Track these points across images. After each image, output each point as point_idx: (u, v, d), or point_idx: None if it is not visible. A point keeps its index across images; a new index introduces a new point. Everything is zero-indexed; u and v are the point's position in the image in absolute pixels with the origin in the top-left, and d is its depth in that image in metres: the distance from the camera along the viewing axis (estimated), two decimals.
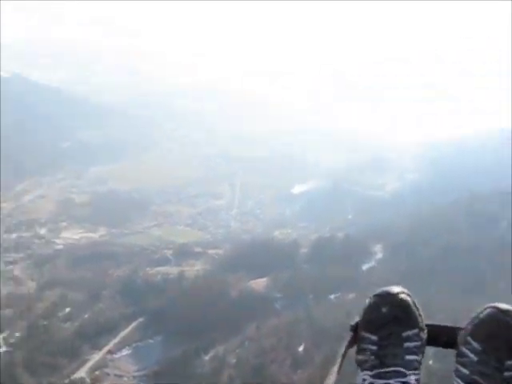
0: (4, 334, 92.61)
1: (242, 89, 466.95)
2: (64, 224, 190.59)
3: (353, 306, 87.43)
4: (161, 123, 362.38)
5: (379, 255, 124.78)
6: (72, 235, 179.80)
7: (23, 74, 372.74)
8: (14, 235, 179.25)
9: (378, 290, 3.55)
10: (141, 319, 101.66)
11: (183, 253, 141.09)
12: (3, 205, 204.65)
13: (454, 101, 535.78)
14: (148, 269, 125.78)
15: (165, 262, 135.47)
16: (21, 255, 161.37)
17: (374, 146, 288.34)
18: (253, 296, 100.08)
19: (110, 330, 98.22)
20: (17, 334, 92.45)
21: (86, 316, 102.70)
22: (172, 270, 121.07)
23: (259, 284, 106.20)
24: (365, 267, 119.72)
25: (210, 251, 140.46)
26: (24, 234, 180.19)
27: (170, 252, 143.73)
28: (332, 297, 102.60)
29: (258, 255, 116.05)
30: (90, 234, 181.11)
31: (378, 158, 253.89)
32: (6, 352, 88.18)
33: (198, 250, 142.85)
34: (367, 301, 3.59)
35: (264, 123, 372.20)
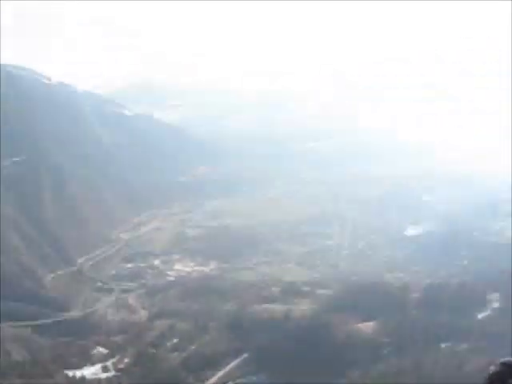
0: (114, 359, 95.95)
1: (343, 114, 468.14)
2: (177, 256, 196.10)
3: (465, 357, 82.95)
4: (276, 161, 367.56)
5: (495, 304, 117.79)
6: (184, 267, 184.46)
7: (146, 112, 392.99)
8: (130, 265, 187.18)
9: (505, 359, 3.27)
10: (245, 355, 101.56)
11: (291, 291, 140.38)
12: (122, 235, 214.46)
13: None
14: (256, 305, 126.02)
15: (272, 299, 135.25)
16: (135, 284, 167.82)
17: (491, 187, 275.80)
18: (359, 339, 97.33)
19: (215, 363, 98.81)
20: (126, 360, 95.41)
21: (193, 347, 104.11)
22: (279, 308, 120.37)
23: (367, 327, 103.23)
24: (480, 316, 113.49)
25: (318, 291, 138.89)
26: (139, 264, 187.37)
27: (278, 290, 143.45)
28: (443, 346, 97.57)
29: (367, 298, 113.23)
30: (202, 268, 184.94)
31: (496, 200, 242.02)
32: (114, 376, 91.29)
33: (305, 289, 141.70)
34: (492, 368, 3.31)
35: (378, 164, 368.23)
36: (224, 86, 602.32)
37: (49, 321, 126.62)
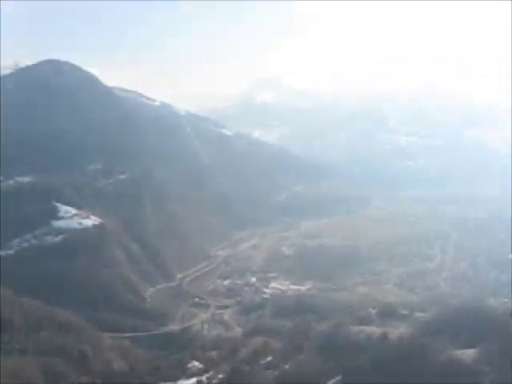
0: (209, 374, 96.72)
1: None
2: (273, 274, 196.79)
3: None
4: (375, 180, 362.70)
5: None
6: (280, 286, 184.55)
7: (245, 132, 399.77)
8: (227, 281, 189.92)
9: None
10: (340, 376, 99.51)
11: (388, 313, 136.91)
12: (220, 252, 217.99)
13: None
14: (351, 326, 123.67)
15: (368, 321, 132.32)
16: (231, 301, 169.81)
17: None
18: (458, 367, 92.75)
19: (308, 383, 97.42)
20: (220, 376, 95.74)
21: (287, 366, 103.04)
22: (375, 330, 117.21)
23: (467, 354, 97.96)
24: None
25: (416, 314, 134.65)
26: (236, 281, 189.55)
27: (375, 311, 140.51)
28: None
29: (468, 323, 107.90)
30: (297, 287, 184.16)
31: None
32: None
33: (403, 311, 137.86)
34: None
35: (484, 183, 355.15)
36: (325, 103, 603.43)
37: (148, 333, 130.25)
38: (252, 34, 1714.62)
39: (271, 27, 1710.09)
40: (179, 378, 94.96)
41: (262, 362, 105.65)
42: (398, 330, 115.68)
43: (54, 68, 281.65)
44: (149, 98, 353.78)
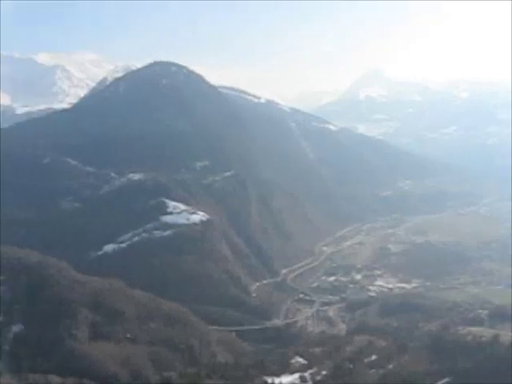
0: (312, 370, 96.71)
1: None
2: (379, 272, 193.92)
3: None
4: (485, 176, 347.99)
5: None
6: (385, 283, 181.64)
7: (350, 127, 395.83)
8: (331, 278, 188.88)
9: None
10: (446, 379, 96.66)
11: (500, 315, 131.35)
12: (324, 248, 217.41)
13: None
14: (460, 327, 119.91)
15: (478, 322, 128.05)
16: (336, 298, 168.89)
17: None
18: None
19: None
20: (323, 372, 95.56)
21: (391, 366, 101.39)
22: (485, 332, 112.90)
23: None
24: None
25: None
26: (341, 278, 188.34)
27: (486, 313, 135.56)
28: None
29: None
30: (404, 285, 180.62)
31: None
32: None
33: None
34: None
35: None
36: (433, 96, 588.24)
37: (252, 327, 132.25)
38: (354, 32, 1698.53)
39: (374, 25, 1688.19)
40: (282, 373, 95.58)
41: (366, 360, 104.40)
42: (510, 333, 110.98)
43: (162, 69, 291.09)
44: (254, 96, 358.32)
